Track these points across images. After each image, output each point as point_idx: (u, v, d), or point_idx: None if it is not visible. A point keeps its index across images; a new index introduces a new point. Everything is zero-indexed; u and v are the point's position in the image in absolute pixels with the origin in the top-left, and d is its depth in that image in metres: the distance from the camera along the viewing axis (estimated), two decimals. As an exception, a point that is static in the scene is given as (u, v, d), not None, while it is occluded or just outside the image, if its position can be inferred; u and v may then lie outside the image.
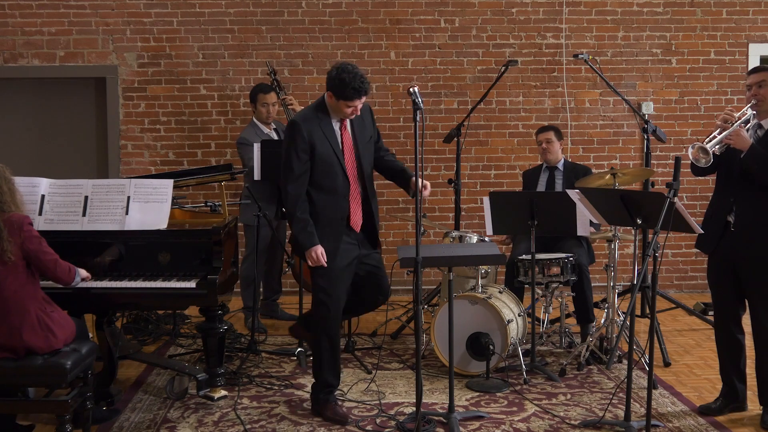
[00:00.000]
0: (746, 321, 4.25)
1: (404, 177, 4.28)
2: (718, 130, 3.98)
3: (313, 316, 4.19)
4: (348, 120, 4.12)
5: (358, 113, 4.07)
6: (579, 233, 5.02)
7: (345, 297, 4.17)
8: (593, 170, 7.08)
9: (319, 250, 4.02)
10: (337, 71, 3.95)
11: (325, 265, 4.04)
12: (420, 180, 3.84)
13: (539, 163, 5.94)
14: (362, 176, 4.17)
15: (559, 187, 5.63)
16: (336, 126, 4.11)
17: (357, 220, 4.17)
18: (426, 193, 4.07)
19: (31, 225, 3.60)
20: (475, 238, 5.27)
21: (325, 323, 4.12)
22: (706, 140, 3.95)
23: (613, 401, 4.35)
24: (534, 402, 4.44)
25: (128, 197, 4.24)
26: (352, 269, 4.18)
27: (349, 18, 7.13)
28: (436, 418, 4.11)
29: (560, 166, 5.74)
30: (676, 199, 3.70)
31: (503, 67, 6.12)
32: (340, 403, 4.32)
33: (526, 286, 5.24)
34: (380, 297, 4.33)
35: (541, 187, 5.74)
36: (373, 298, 4.34)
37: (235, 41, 7.10)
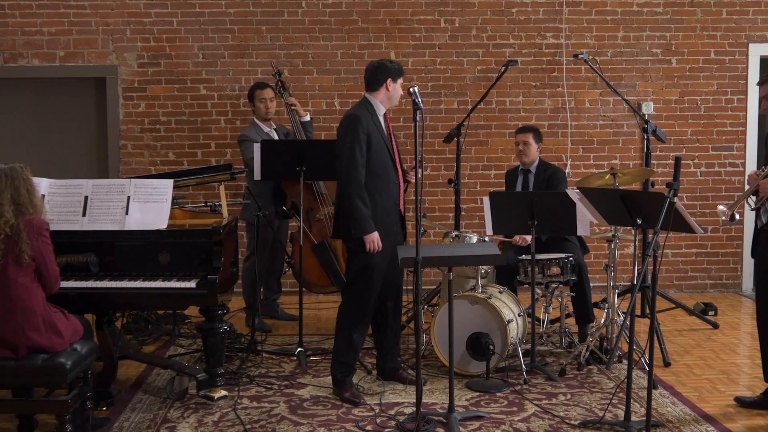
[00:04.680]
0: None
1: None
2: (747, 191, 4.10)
3: (351, 292, 4.47)
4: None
5: None
6: (579, 233, 5.02)
7: (382, 274, 4.45)
8: (595, 170, 7.10)
9: (377, 236, 4.32)
10: (387, 60, 4.47)
11: (379, 248, 4.33)
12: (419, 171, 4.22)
13: (517, 164, 5.91)
14: (401, 165, 4.56)
15: (532, 189, 5.63)
16: (382, 119, 4.46)
17: (401, 205, 4.56)
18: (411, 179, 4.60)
19: (48, 231, 3.60)
20: (475, 238, 5.27)
21: (363, 297, 4.41)
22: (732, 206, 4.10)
23: (613, 401, 4.35)
24: (534, 402, 4.44)
25: (128, 197, 4.24)
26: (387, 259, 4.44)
27: (349, 18, 7.13)
28: (436, 418, 4.11)
29: (533, 168, 5.70)
30: (676, 199, 3.70)
31: (503, 67, 6.12)
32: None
33: (526, 285, 5.24)
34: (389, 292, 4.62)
35: (518, 188, 5.74)
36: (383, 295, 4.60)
37: (235, 41, 7.10)
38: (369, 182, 4.35)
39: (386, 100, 4.48)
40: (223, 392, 4.41)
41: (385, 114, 4.50)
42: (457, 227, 6.19)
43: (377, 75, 4.41)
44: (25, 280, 3.51)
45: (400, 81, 4.48)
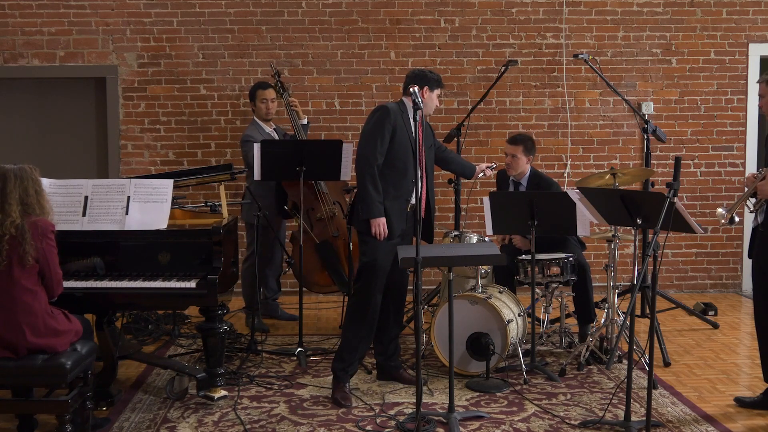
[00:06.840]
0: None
1: (470, 168, 5.09)
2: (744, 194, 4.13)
3: (356, 290, 4.49)
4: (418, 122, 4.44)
5: None
6: (579, 233, 5.02)
7: (386, 272, 4.46)
8: (595, 170, 7.10)
9: (383, 222, 4.37)
10: (428, 71, 4.66)
11: (385, 235, 4.37)
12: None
13: None
14: (426, 171, 4.59)
15: None
16: (413, 122, 4.48)
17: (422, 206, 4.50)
18: (489, 173, 5.08)
19: (54, 234, 3.60)
20: (475, 238, 5.26)
21: (364, 295, 4.41)
22: (731, 209, 4.11)
23: (613, 401, 4.35)
24: (534, 402, 4.44)
25: (128, 197, 4.24)
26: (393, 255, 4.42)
27: (349, 18, 7.13)
28: (436, 418, 4.11)
29: (524, 181, 5.54)
30: (676, 199, 3.70)
31: (503, 67, 6.12)
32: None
33: (526, 285, 5.24)
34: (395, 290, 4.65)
35: None
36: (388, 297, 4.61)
37: (235, 41, 7.10)
38: (386, 173, 4.44)
39: (424, 104, 4.53)
40: (223, 392, 4.41)
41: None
42: (457, 227, 6.19)
43: (415, 81, 4.46)
44: (28, 282, 3.51)
45: (437, 92, 4.63)
